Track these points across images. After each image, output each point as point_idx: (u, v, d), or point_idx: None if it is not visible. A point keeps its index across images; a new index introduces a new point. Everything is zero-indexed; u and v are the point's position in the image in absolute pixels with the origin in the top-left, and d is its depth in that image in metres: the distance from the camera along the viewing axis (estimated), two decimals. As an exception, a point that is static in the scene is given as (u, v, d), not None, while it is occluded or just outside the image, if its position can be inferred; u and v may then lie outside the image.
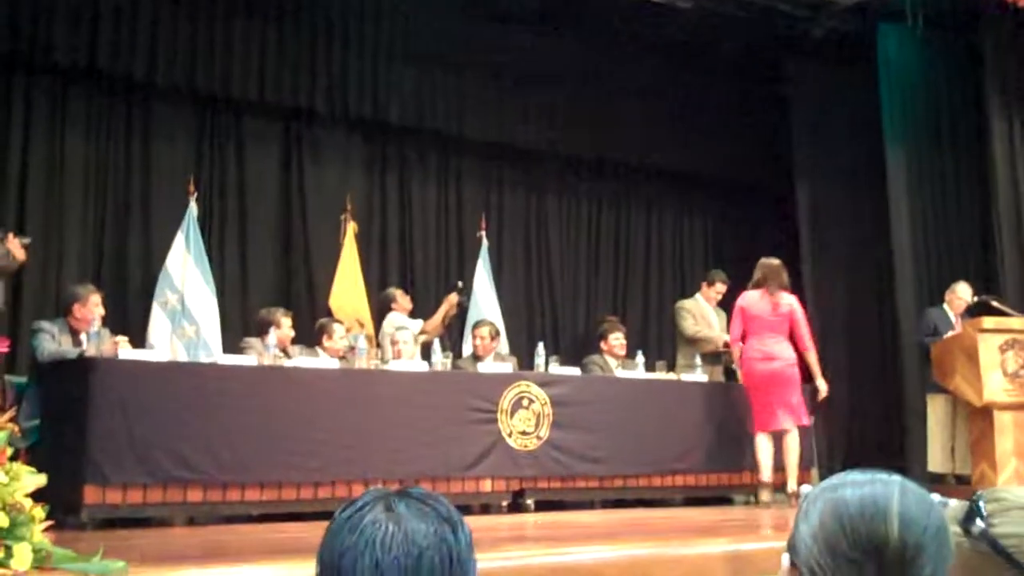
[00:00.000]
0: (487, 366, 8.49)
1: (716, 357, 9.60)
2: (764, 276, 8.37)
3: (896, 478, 1.40)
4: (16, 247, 6.93)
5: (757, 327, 8.29)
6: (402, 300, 9.51)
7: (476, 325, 9.24)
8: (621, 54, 11.54)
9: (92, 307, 7.27)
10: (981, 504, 1.46)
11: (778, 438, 8.23)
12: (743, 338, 8.36)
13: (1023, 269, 9.99)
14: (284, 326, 8.10)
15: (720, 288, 9.84)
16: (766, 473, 8.21)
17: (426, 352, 8.48)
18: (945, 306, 9.60)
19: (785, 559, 1.39)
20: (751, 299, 8.37)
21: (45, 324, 7.21)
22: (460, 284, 10.02)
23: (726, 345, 9.29)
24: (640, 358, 9.13)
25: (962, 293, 9.54)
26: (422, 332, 9.28)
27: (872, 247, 11.26)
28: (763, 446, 8.24)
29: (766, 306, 8.29)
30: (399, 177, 11.09)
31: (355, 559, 1.39)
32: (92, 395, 6.28)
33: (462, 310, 10.10)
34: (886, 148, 10.75)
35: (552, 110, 11.48)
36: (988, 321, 8.76)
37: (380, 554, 1.38)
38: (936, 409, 9.52)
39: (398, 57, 10.56)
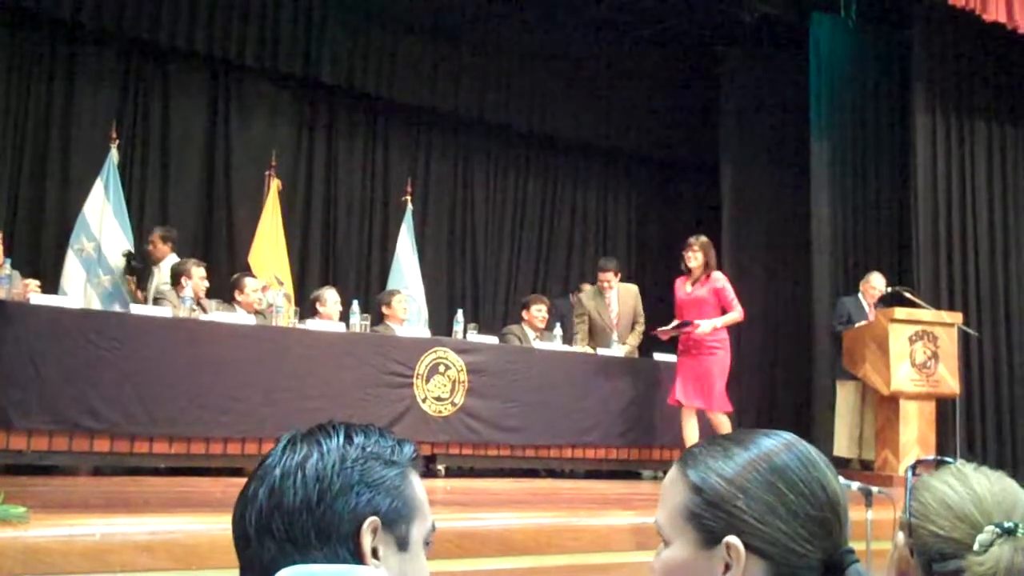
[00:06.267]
0: (405, 330, 8.46)
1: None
2: None
3: (787, 435, 1.39)
4: None
5: None
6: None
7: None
8: (556, 27, 11.55)
9: None
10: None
11: (702, 415, 8.22)
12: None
13: (936, 263, 10.18)
14: (196, 276, 7.95)
15: (601, 276, 9.34)
16: None
17: (344, 315, 8.42)
18: (859, 295, 9.75)
19: (736, 542, 1.29)
20: None
21: (-48, 267, 7.04)
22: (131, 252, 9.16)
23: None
24: (558, 330, 9.15)
25: (876, 283, 9.69)
26: None
27: (792, 232, 11.42)
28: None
29: None
30: (326, 136, 11.01)
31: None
32: (0, 339, 6.16)
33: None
34: (811, 136, 10.88)
35: (484, 79, 11.46)
36: (900, 312, 8.92)
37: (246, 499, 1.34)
38: (845, 395, 9.70)
39: (331, 15, 10.45)
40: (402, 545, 1.35)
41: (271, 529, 1.29)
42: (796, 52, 11.12)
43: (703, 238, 8.24)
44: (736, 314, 8.18)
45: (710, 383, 8.07)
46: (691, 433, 8.09)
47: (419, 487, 1.40)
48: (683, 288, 8.24)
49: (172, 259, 8.65)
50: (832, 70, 10.97)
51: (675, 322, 8.23)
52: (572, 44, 11.69)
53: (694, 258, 8.13)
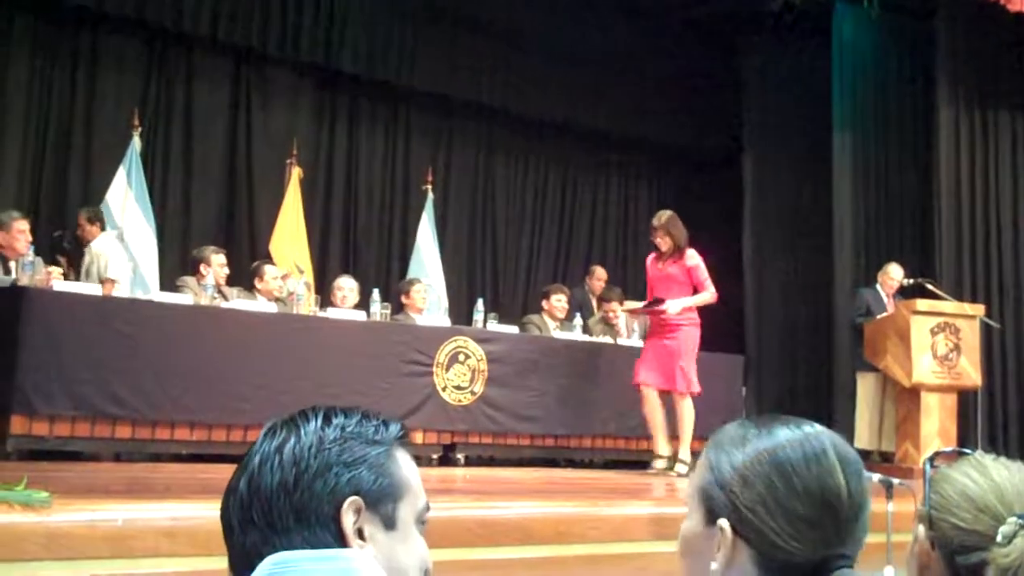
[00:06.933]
0: (425, 319, 8.48)
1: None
2: None
3: (815, 426, 1.38)
4: None
5: None
6: None
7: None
8: (577, 17, 11.51)
9: (16, 234, 7.12)
10: None
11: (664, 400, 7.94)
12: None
13: (959, 254, 10.14)
14: (215, 263, 7.95)
15: (606, 307, 9.71)
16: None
17: (364, 302, 8.44)
18: (878, 287, 9.72)
19: (726, 525, 1.32)
20: None
21: (-26, 253, 7.08)
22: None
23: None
24: (578, 320, 9.15)
25: (894, 274, 9.66)
26: None
27: (813, 224, 11.38)
28: None
29: None
30: (347, 125, 11.01)
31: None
32: (23, 325, 6.18)
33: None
34: (834, 127, 10.84)
35: (506, 68, 11.44)
36: (921, 303, 8.89)
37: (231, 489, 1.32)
38: (866, 387, 9.66)
39: (353, 4, 10.45)
40: (389, 524, 1.31)
41: (252, 516, 1.27)
42: (819, 43, 11.07)
43: (663, 217, 7.85)
44: (708, 294, 7.78)
45: (674, 362, 7.72)
46: (656, 416, 7.83)
47: (407, 466, 1.35)
48: (655, 266, 7.97)
49: (103, 238, 8.45)
50: (855, 61, 10.93)
51: (646, 301, 8.03)
52: (594, 34, 11.64)
53: (663, 242, 7.81)
